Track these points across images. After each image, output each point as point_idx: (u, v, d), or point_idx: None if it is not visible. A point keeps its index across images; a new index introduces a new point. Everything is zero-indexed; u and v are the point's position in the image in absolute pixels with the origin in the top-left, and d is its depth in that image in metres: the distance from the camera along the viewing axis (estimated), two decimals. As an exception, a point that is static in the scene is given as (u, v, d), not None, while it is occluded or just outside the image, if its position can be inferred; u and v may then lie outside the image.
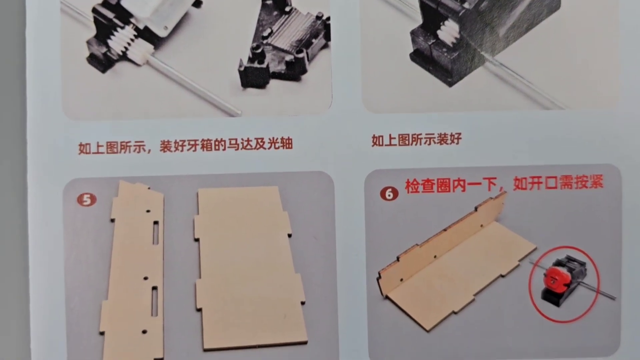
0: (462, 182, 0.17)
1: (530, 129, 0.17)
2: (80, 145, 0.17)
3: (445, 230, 0.17)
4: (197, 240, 0.17)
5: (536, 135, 0.17)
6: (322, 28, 0.17)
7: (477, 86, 0.17)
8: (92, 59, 0.17)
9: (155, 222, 0.17)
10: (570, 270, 0.17)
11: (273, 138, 0.17)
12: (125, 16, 0.17)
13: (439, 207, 0.17)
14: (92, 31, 0.17)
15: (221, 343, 0.17)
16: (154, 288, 0.17)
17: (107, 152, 0.17)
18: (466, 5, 0.16)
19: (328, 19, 0.17)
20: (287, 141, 0.17)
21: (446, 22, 0.17)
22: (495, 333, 0.18)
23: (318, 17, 0.17)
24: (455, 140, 0.17)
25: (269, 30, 0.17)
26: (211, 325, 0.17)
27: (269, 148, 0.17)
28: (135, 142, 0.17)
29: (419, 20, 0.17)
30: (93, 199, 0.17)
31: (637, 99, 0.17)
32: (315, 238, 0.17)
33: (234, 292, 0.17)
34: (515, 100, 0.17)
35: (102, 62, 0.17)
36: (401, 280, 0.18)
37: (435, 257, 0.18)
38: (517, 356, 0.18)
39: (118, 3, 0.17)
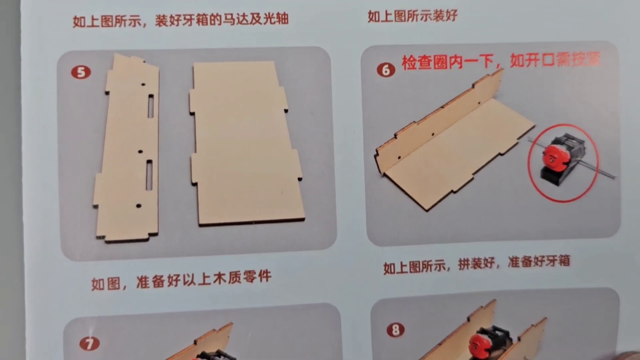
0: (459, 59, 0.17)
1: (527, 4, 0.17)
2: (75, 18, 0.17)
3: (442, 107, 0.17)
4: (192, 114, 0.17)
5: (533, 11, 0.17)
6: None
7: None
8: None
9: (150, 96, 0.17)
10: (569, 148, 0.17)
11: (269, 13, 0.17)
12: None
13: (435, 83, 0.17)
14: None
15: (217, 219, 0.17)
16: (149, 161, 0.17)
17: (102, 26, 0.17)
18: None
19: None
20: (283, 16, 0.17)
21: None
22: (494, 213, 0.17)
23: None
24: (452, 17, 0.17)
25: None
26: (207, 201, 0.17)
27: (265, 23, 0.17)
28: (131, 16, 0.17)
29: None
30: (87, 71, 0.17)
31: None
32: (312, 114, 0.17)
33: (230, 167, 0.17)
34: None
35: None
36: (399, 158, 0.17)
37: (432, 134, 0.17)
38: (517, 236, 0.17)
39: None
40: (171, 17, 0.17)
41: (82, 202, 0.16)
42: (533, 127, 0.17)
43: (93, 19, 0.17)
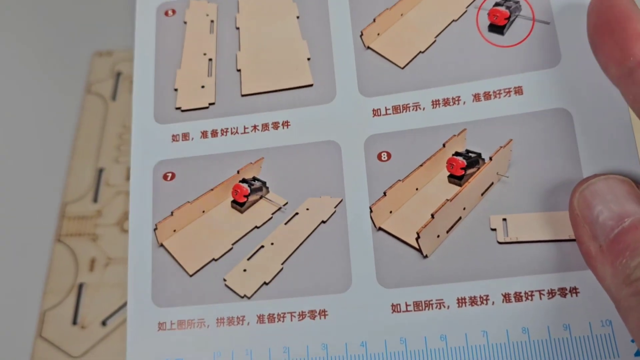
0: None
1: None
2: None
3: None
4: (237, 28, 0.25)
5: None
6: None
7: None
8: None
9: (212, 21, 0.25)
10: (508, 7, 0.22)
11: None
12: None
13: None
14: None
15: (253, 89, 0.24)
16: (210, 60, 0.25)
17: None
18: None
19: None
20: None
21: None
22: (459, 63, 0.22)
23: None
24: None
25: None
26: (246, 80, 0.24)
27: None
28: None
29: None
30: (174, 11, 0.26)
31: None
32: (314, 16, 0.24)
33: (263, 57, 0.24)
34: None
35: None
36: (378, 34, 0.23)
37: (402, 15, 0.23)
38: (477, 77, 0.22)
39: None
40: None
41: (168, 88, 0.24)
42: (475, -3, 0.22)
43: None
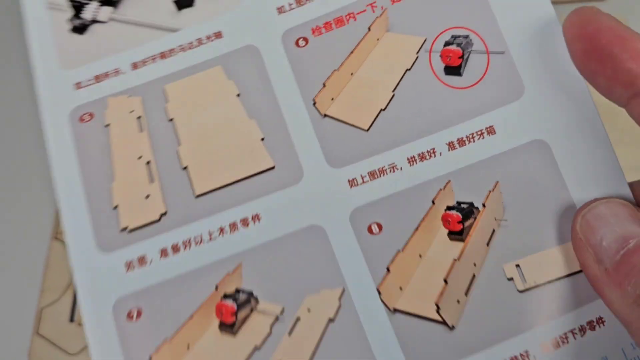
0: (352, 15, 0.22)
1: None
2: (76, 84, 0.22)
3: (352, 52, 0.21)
4: (171, 120, 0.22)
5: None
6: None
7: None
8: (74, 29, 0.23)
9: (138, 117, 0.22)
10: (459, 44, 0.21)
11: (208, 35, 0.23)
12: (89, -4, 0.24)
13: (342, 38, 0.22)
14: (70, 12, 0.24)
15: (208, 187, 0.21)
16: (148, 163, 0.21)
17: (95, 82, 0.22)
18: None
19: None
20: (218, 34, 0.22)
21: None
22: (420, 113, 0.21)
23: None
24: None
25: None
26: (198, 177, 0.21)
27: (207, 42, 0.22)
28: (113, 69, 0.22)
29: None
30: (91, 115, 0.22)
31: None
32: (257, 91, 0.22)
33: (209, 147, 0.21)
34: None
35: (80, 29, 0.23)
36: (332, 99, 0.21)
37: (352, 74, 0.22)
38: (446, 125, 0.20)
39: (82, -11, 0.24)
40: (142, 61, 0.22)
41: (105, 205, 0.21)
42: (425, 40, 0.21)
43: (88, 80, 0.22)
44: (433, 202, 0.20)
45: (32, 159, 0.38)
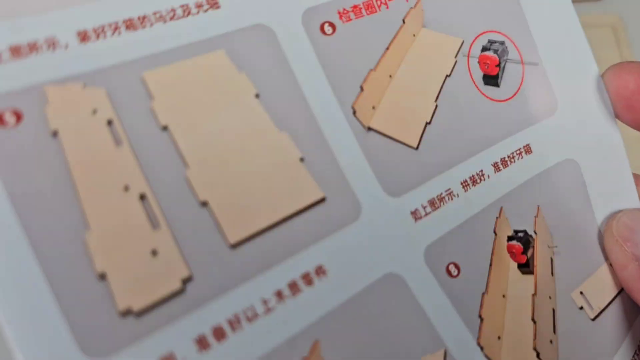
0: (383, 0, 0.22)
1: None
2: None
3: (387, 49, 0.22)
4: (165, 128, 0.18)
5: None
6: None
7: None
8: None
9: (109, 122, 0.17)
10: (495, 51, 0.24)
11: (197, 2, 0.19)
12: None
13: (374, 29, 0.22)
14: None
15: (247, 231, 0.18)
16: (142, 197, 0.17)
17: (13, 58, 0.17)
18: None
19: None
20: (212, 1, 0.20)
21: None
22: (462, 129, 0.23)
23: None
24: None
25: None
26: (227, 217, 0.18)
27: (197, 13, 0.19)
28: (45, 39, 0.17)
29: None
30: (18, 115, 0.16)
31: None
32: (281, 91, 0.20)
33: (233, 172, 0.18)
34: None
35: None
36: (373, 107, 0.22)
37: (390, 76, 0.22)
38: (489, 144, 0.23)
39: None
40: (94, 30, 0.18)
41: (81, 276, 0.16)
42: (462, 42, 0.24)
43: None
44: (495, 233, 0.23)
45: None
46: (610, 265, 0.24)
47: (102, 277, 0.16)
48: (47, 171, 0.16)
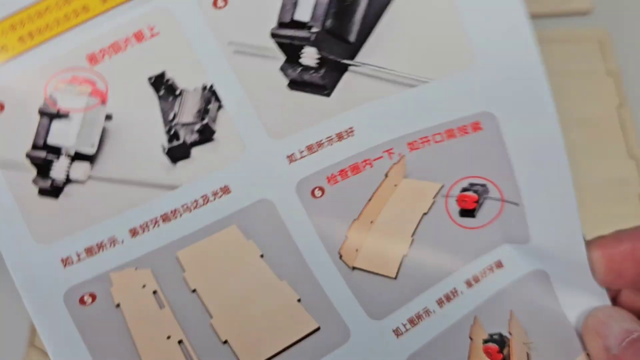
0: (368, 162, 0.28)
1: (408, 105, 0.27)
2: (62, 260, 0.24)
3: (370, 200, 0.28)
4: (194, 291, 0.25)
5: (415, 108, 0.27)
6: (211, 94, 0.27)
7: (350, 88, 0.27)
8: (43, 193, 0.25)
9: (154, 292, 0.25)
10: (475, 191, 0.29)
11: (214, 191, 0.26)
12: (55, 150, 0.26)
13: (359, 186, 0.27)
14: (34, 172, 0.25)
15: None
16: (180, 342, 0.24)
17: (88, 256, 0.24)
18: (314, 30, 0.26)
19: (212, 86, 0.27)
20: (225, 189, 0.27)
21: (304, 50, 0.27)
22: (436, 256, 0.28)
23: (204, 88, 0.27)
24: (350, 134, 0.27)
25: (172, 113, 0.27)
26: (243, 350, 0.24)
27: (214, 199, 0.26)
28: (108, 239, 0.25)
29: (282, 57, 0.27)
30: (93, 296, 0.24)
31: (489, 57, 0.27)
32: (281, 249, 0.26)
33: (245, 316, 0.25)
34: (385, 88, 0.27)
35: (52, 192, 0.25)
36: (357, 250, 0.27)
37: (371, 222, 0.28)
38: (460, 265, 0.28)
39: (45, 143, 0.25)
40: (140, 226, 0.25)
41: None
42: (442, 186, 0.28)
43: (78, 254, 0.24)
44: (471, 338, 0.27)
45: None
46: (587, 354, 0.27)
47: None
48: (113, 332, 0.23)
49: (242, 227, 0.26)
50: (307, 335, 0.25)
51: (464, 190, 0.28)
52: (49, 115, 0.25)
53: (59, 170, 0.25)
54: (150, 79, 0.26)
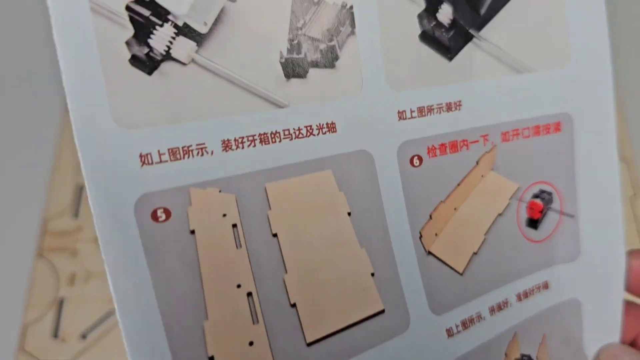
0: (465, 142, 0.25)
1: (512, 92, 0.25)
2: (141, 156, 0.19)
3: (459, 185, 0.25)
4: (274, 235, 0.21)
5: (516, 96, 0.25)
6: (347, 16, 0.23)
7: (469, 60, 0.25)
8: (135, 61, 0.19)
9: (234, 225, 0.20)
10: (543, 199, 0.27)
11: (320, 124, 0.22)
12: (162, 13, 0.19)
13: (452, 166, 0.25)
14: (130, 31, 0.19)
15: (321, 333, 0.21)
16: (249, 294, 0.20)
17: (171, 160, 0.19)
18: None
19: (351, 7, 0.23)
20: (332, 125, 0.22)
21: (442, 6, 0.24)
22: (500, 261, 0.26)
23: (343, 6, 0.23)
24: (458, 108, 0.25)
25: (302, 21, 0.22)
26: (308, 318, 0.21)
27: (318, 134, 0.22)
28: (197, 144, 0.20)
29: (423, 4, 0.24)
30: (168, 213, 0.19)
31: (582, 59, 0.27)
32: (369, 212, 0.23)
33: (319, 279, 0.21)
34: (498, 69, 0.25)
35: (147, 64, 0.19)
36: (436, 235, 0.25)
37: (455, 209, 0.25)
38: (518, 276, 0.27)
39: (153, 0, 0.19)
40: (235, 140, 0.20)
41: (196, 355, 0.19)
42: (518, 188, 0.27)
43: (160, 154, 0.19)
44: (506, 355, 0.26)
45: (17, 177, 0.47)
46: None
47: (211, 358, 0.18)
48: (183, 264, 0.19)
49: (337, 175, 0.22)
50: (371, 316, 0.22)
51: (535, 196, 0.27)
52: (165, -34, 0.19)
53: (160, 39, 0.19)
54: (295, -31, 0.21)
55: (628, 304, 0.29)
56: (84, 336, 0.42)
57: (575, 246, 0.28)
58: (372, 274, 0.22)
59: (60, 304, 0.42)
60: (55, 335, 0.42)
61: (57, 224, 0.45)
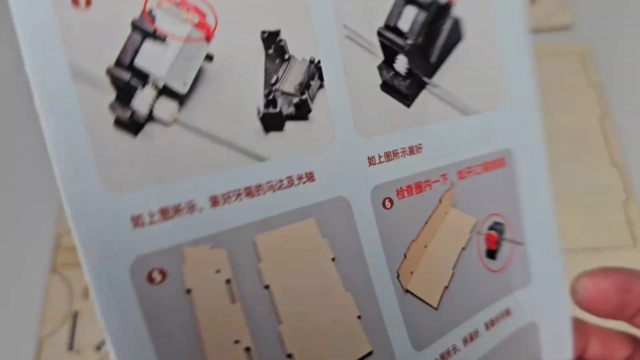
0: (428, 183, 0.26)
1: (463, 132, 0.26)
2: (133, 218, 0.18)
3: (426, 223, 0.25)
4: (267, 287, 0.20)
5: (466, 136, 0.26)
6: (316, 71, 0.23)
7: (424, 105, 0.26)
8: (120, 124, 0.18)
9: (227, 281, 0.19)
10: (497, 230, 0.28)
11: (299, 175, 0.22)
12: (142, 75, 0.19)
13: (419, 206, 0.25)
14: (112, 94, 0.18)
15: (316, 382, 0.20)
16: (247, 349, 0.19)
17: (162, 220, 0.18)
18: (409, 41, 0.25)
19: (319, 62, 0.23)
20: (310, 175, 0.22)
21: (398, 57, 0.25)
22: (467, 293, 0.26)
23: (311, 62, 0.22)
24: (419, 151, 0.25)
25: (275, 77, 0.22)
26: None
27: (298, 184, 0.22)
28: (186, 202, 0.19)
29: (381, 57, 0.24)
30: (163, 274, 0.18)
31: (516, 98, 0.28)
32: (350, 256, 0.23)
33: (311, 327, 0.20)
34: (449, 112, 0.26)
35: (131, 126, 0.18)
36: (411, 273, 0.25)
37: (425, 247, 0.25)
38: (481, 307, 0.27)
39: (132, 63, 0.19)
40: (223, 195, 0.20)
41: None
42: (476, 222, 0.27)
43: (151, 214, 0.18)
44: None
45: (32, 187, 0.48)
46: None
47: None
48: (182, 325, 0.18)
49: (319, 222, 0.22)
50: (360, 359, 0.21)
51: (490, 228, 0.28)
52: (143, 32, 0.19)
53: (142, 101, 0.18)
54: (263, 32, 0.21)
55: (576, 321, 0.29)
56: (98, 348, 0.43)
57: (527, 271, 0.29)
58: (359, 317, 0.22)
59: (75, 317, 0.44)
60: (71, 347, 0.43)
61: (70, 239, 0.44)
